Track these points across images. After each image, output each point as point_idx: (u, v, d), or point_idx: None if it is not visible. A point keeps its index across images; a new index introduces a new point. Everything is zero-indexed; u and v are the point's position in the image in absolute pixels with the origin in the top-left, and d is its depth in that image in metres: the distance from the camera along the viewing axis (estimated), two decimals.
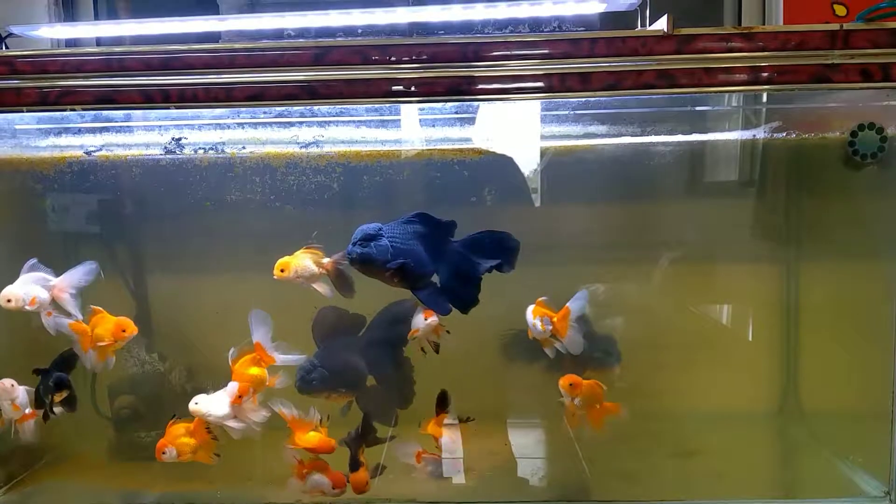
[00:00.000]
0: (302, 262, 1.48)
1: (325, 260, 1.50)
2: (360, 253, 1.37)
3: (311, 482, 1.50)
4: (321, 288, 1.50)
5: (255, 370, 1.47)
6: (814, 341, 1.89)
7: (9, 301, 1.47)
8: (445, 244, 1.46)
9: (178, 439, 1.49)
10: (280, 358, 1.50)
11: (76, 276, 1.54)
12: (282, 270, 1.47)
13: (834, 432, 1.82)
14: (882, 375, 1.56)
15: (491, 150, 1.72)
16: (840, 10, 1.96)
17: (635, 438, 1.76)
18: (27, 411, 1.56)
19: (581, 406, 1.53)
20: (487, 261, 1.46)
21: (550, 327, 1.56)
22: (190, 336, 1.54)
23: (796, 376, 1.90)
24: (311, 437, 1.48)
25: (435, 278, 1.47)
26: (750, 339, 1.93)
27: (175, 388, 1.76)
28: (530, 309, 1.59)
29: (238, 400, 1.44)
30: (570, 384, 1.53)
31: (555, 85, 1.37)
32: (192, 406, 1.47)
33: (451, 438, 1.57)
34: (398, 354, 1.57)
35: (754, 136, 1.81)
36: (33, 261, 1.53)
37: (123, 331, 1.52)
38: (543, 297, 1.58)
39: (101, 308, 1.53)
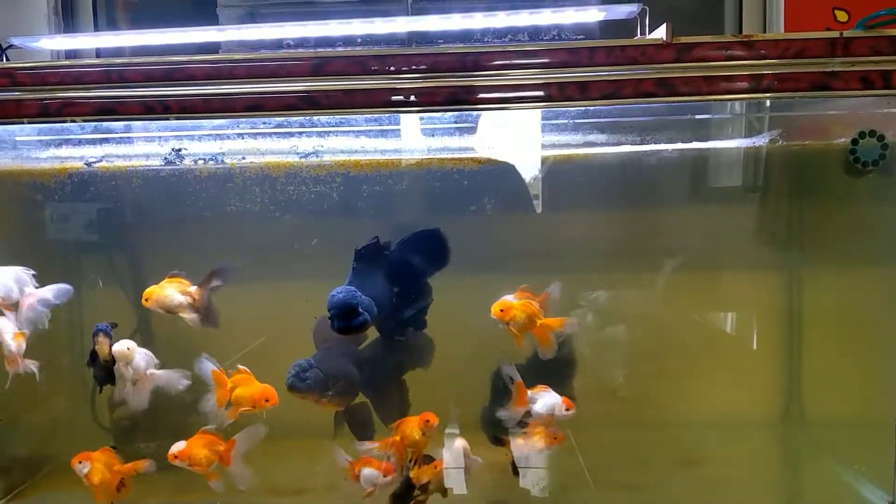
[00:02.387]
0: (164, 291, 1.49)
1: (192, 288, 1.50)
2: (357, 324, 1.37)
3: (364, 478, 1.48)
4: (187, 316, 1.50)
5: (205, 451, 1.46)
6: (817, 349, 1.88)
7: None
8: (385, 262, 1.48)
9: (96, 462, 1.50)
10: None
11: (51, 292, 1.52)
12: (146, 300, 1.48)
13: (838, 441, 1.81)
14: (887, 383, 1.55)
15: (491, 158, 1.72)
16: (841, 16, 1.96)
17: (638, 448, 1.75)
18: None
19: (519, 328, 1.49)
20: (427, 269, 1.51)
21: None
22: (190, 346, 1.54)
23: (800, 384, 1.89)
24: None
25: None
26: (753, 346, 1.92)
27: (174, 398, 1.75)
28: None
29: (173, 458, 1.45)
30: (501, 310, 1.48)
31: (554, 94, 1.37)
32: (118, 347, 1.47)
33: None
34: (398, 376, 1.56)
35: (755, 143, 1.80)
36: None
37: (267, 400, 1.46)
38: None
39: (247, 370, 1.49)
